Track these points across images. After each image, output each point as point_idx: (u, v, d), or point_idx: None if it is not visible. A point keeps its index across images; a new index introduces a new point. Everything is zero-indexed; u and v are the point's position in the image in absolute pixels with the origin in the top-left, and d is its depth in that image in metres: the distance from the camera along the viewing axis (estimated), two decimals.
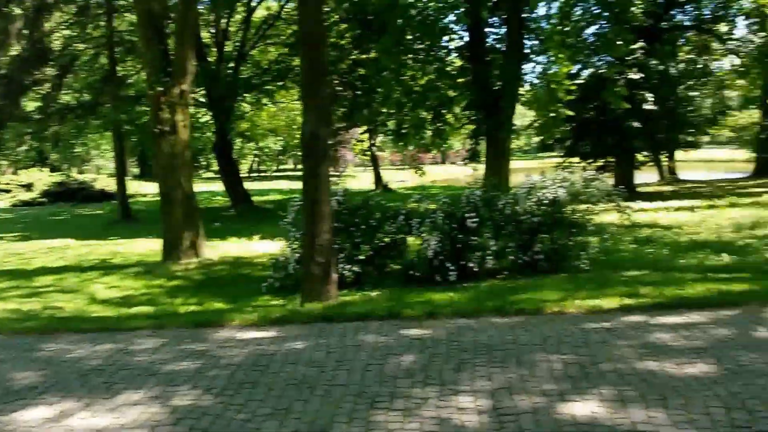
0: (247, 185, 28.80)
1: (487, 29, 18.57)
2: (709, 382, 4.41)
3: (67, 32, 22.55)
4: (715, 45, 29.44)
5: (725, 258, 9.51)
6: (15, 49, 20.75)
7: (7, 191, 34.14)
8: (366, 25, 17.14)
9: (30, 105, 24.56)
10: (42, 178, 35.37)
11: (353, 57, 19.34)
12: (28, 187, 34.48)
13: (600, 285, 7.40)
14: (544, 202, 8.63)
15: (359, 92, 19.86)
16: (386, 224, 8.62)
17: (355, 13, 17.33)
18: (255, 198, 26.90)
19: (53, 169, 40.12)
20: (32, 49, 20.46)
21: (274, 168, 58.53)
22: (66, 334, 6.60)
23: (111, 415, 4.36)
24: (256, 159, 56.68)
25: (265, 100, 27.25)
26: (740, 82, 32.74)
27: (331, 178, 8.11)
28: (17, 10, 19.51)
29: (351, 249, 8.34)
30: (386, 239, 8.58)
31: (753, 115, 35.98)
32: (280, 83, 24.03)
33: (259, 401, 4.50)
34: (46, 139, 25.07)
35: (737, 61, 29.11)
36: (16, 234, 19.77)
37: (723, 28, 27.23)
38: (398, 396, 4.44)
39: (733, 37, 27.71)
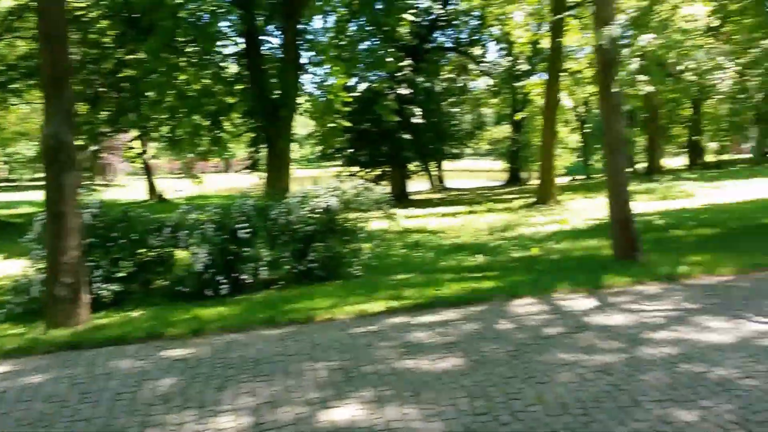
0: None
1: (263, 37, 18.52)
2: (457, 375, 4.80)
3: None
4: (472, 66, 32.95)
5: (479, 258, 10.54)
6: None
7: None
8: (131, 23, 15.85)
9: None
10: None
11: (118, 56, 17.83)
12: None
13: (370, 290, 7.67)
14: (318, 210, 8.66)
15: (126, 94, 18.28)
16: (151, 237, 8.00)
17: (118, 11, 16.01)
18: (0, 211, 23.56)
19: None
20: None
21: (28, 177, 51.64)
22: None
23: None
24: (5, 166, 50.52)
25: (13, 100, 23.93)
26: (493, 100, 37.02)
27: (95, 188, 7.26)
28: None
29: (109, 266, 7.55)
30: (151, 254, 7.99)
31: (505, 130, 40.86)
32: (31, 82, 21.20)
33: None
34: None
35: (490, 81, 32.87)
36: None
37: (477, 51, 30.57)
38: (150, 425, 4.14)
39: (485, 59, 31.26)
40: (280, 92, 16.87)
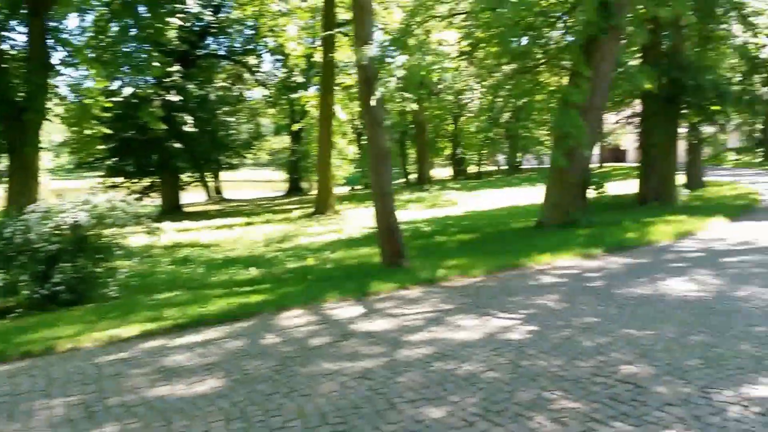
0: None
1: (4, 33, 16.46)
2: (215, 397, 4.50)
3: None
4: (247, 75, 32.54)
5: (252, 271, 10.27)
6: None
7: None
8: None
9: None
10: None
11: None
12: None
13: (125, 312, 7.05)
14: (64, 227, 7.76)
15: None
16: None
17: None
18: None
19: None
20: None
21: None
22: None
23: None
24: None
25: None
26: (271, 111, 36.95)
27: None
28: None
29: None
30: None
31: (285, 140, 41.03)
32: None
33: None
34: None
35: (267, 92, 32.76)
36: None
37: (253, 60, 30.26)
38: None
39: (261, 69, 31.07)
40: (24, 94, 14.98)
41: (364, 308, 7.06)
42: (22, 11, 15.82)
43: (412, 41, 10.66)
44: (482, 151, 44.36)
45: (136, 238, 9.90)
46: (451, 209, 20.53)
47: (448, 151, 45.60)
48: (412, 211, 19.73)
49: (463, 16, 14.02)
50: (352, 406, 4.26)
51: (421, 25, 11.55)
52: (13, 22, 16.86)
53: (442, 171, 48.43)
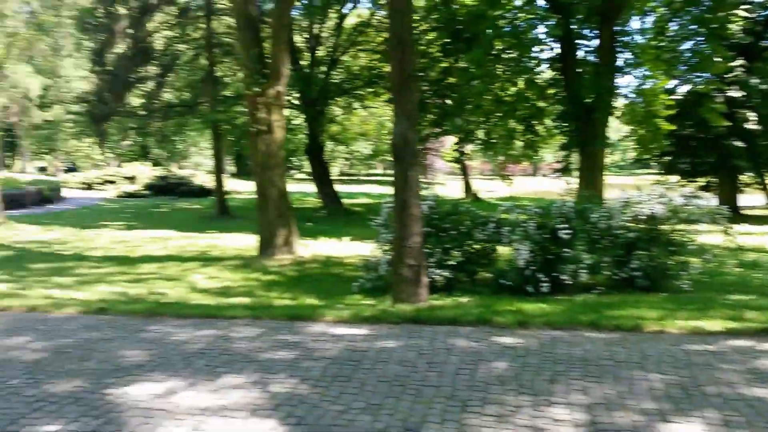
0: (337, 188, 27.57)
1: (578, 41, 16.30)
2: None
3: (168, 33, 23.31)
4: None
5: None
6: (120, 47, 21.26)
7: (112, 182, 37.40)
8: (455, 34, 16.30)
9: (134, 101, 24.61)
10: (144, 172, 38.64)
11: (443, 65, 18.33)
12: (132, 179, 37.34)
13: (703, 307, 6.53)
14: (641, 217, 8.18)
15: (449, 100, 18.82)
16: (476, 231, 8.30)
17: (445, 23, 16.57)
18: (344, 200, 26.37)
19: (155, 164, 44.72)
20: (136, 48, 21.13)
21: (364, 172, 58.50)
22: (170, 318, 6.57)
23: (213, 396, 4.16)
24: (347, 162, 58.20)
25: (355, 105, 28.01)
26: None
27: (421, 183, 7.34)
28: (122, 10, 20.46)
29: (441, 254, 8.04)
30: (476, 246, 8.44)
31: None
32: (371, 89, 23.91)
33: (352, 395, 4.22)
34: (149, 135, 28.51)
35: None
36: (121, 223, 20.36)
37: None
38: (490, 402, 4.05)
39: None
40: (593, 96, 14.85)
41: None
42: (594, 19, 15.34)
43: None
44: None
45: (704, 237, 8.81)
46: None
47: None
48: None
49: None
50: None
51: None
52: (585, 30, 16.49)
53: None
